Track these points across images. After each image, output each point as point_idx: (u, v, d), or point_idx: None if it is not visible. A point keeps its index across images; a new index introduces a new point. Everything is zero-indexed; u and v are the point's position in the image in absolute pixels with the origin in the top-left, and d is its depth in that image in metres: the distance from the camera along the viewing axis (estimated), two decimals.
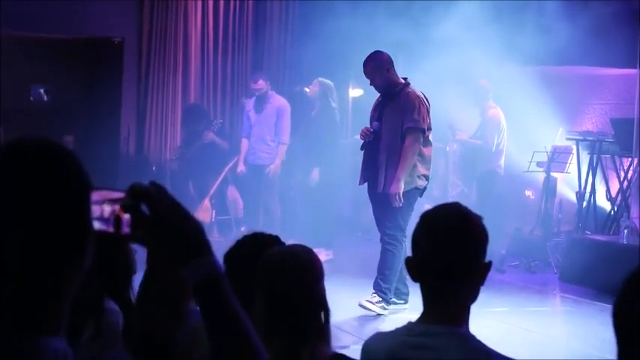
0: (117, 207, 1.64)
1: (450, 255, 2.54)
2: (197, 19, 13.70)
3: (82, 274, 1.61)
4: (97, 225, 1.63)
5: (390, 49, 8.81)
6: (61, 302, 1.58)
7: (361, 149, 8.61)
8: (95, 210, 1.62)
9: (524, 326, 8.18)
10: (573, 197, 11.67)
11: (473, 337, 2.55)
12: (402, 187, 8.25)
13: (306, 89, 12.06)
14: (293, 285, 2.81)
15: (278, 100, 12.08)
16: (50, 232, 1.55)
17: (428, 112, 8.40)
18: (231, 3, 13.92)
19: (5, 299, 1.54)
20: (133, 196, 1.64)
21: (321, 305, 2.85)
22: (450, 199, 11.42)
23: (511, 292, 9.71)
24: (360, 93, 13.24)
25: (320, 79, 11.43)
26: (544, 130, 11.54)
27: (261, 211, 12.37)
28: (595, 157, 11.24)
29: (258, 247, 3.03)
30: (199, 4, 13.70)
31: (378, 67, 8.48)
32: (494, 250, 10.59)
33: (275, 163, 11.95)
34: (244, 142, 12.26)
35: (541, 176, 11.45)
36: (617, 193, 11.19)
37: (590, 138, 11.35)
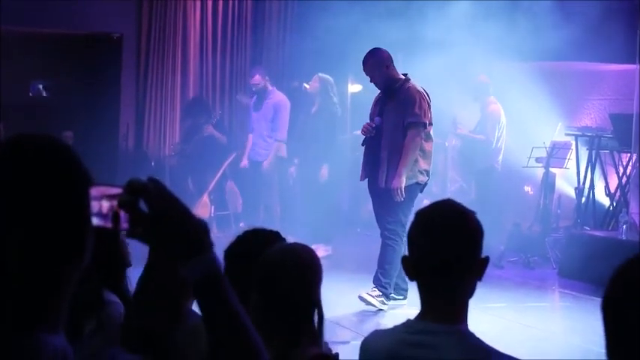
0: (115, 203, 1.63)
1: (447, 252, 2.53)
2: (196, 16, 13.71)
3: (81, 270, 1.61)
4: (95, 221, 1.62)
5: (388, 46, 8.80)
6: (60, 299, 1.58)
7: (362, 145, 8.62)
8: (93, 206, 1.62)
9: (523, 322, 8.18)
10: (572, 193, 11.67)
11: (472, 335, 2.55)
12: (403, 182, 8.26)
13: (305, 85, 12.05)
14: (293, 283, 2.81)
15: (277, 96, 12.07)
16: (50, 229, 1.55)
17: (429, 106, 8.41)
18: (230, 1, 13.93)
19: (5, 297, 1.54)
20: (131, 192, 1.64)
21: (316, 306, 2.85)
22: (449, 195, 11.43)
23: (510, 287, 9.71)
24: (359, 89, 13.23)
25: (320, 74, 11.41)
26: (543, 125, 11.55)
27: (262, 208, 12.36)
28: (594, 152, 11.24)
29: (258, 244, 3.03)
30: (198, 2, 13.71)
31: (377, 64, 8.48)
32: (493, 245, 10.59)
33: (268, 160, 11.92)
34: (250, 138, 12.27)
35: (540, 172, 11.45)
36: (616, 188, 11.19)
37: (589, 133, 11.35)
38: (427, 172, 8.48)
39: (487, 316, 8.01)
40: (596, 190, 11.37)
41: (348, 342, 6.46)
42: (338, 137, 11.71)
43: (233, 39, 13.98)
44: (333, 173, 11.44)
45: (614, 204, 11.16)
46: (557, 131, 11.55)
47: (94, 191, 1.62)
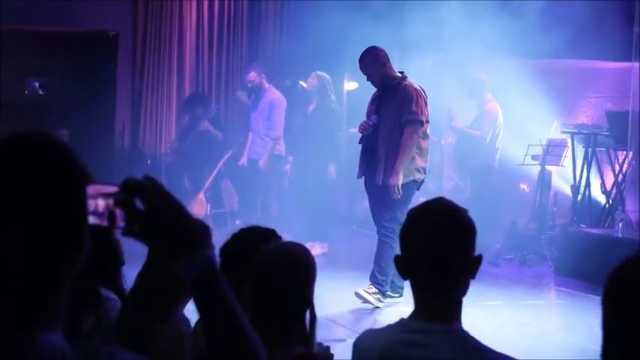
0: (111, 201, 1.63)
1: (440, 250, 2.52)
2: (192, 14, 13.72)
3: (78, 268, 1.61)
4: (91, 219, 1.62)
5: (383, 44, 8.80)
6: (58, 298, 1.58)
7: (360, 143, 8.63)
8: (89, 204, 1.62)
9: (519, 320, 8.18)
10: (568, 190, 11.67)
11: (467, 334, 2.54)
12: (400, 179, 8.26)
13: (302, 83, 12.04)
14: (286, 281, 2.81)
15: (272, 95, 12.06)
16: (49, 228, 1.55)
17: (426, 104, 8.41)
18: (226, 0, 13.93)
19: (3, 296, 1.53)
20: (127, 190, 1.64)
21: (309, 306, 2.84)
22: (445, 193, 11.44)
23: (506, 285, 9.71)
24: (355, 86, 13.23)
25: (318, 72, 11.39)
26: (539, 123, 11.55)
27: (258, 205, 12.35)
28: (590, 150, 11.24)
29: (254, 241, 3.03)
30: (194, 1, 13.72)
31: (374, 62, 8.48)
32: (489, 243, 10.60)
33: (263, 159, 11.91)
34: (250, 136, 12.26)
35: (536, 169, 11.45)
36: (612, 186, 11.20)
37: (585, 131, 11.36)
38: (424, 170, 8.49)
39: (483, 313, 8.02)
40: (592, 188, 11.38)
41: (344, 340, 6.45)
42: (338, 135, 11.71)
43: (229, 37, 13.99)
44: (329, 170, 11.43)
45: (610, 202, 11.17)
46: (553, 129, 11.56)
47: (90, 190, 1.62)
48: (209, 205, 12.63)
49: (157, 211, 1.65)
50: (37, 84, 13.64)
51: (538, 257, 10.92)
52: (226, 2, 13.93)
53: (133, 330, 1.93)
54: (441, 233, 2.53)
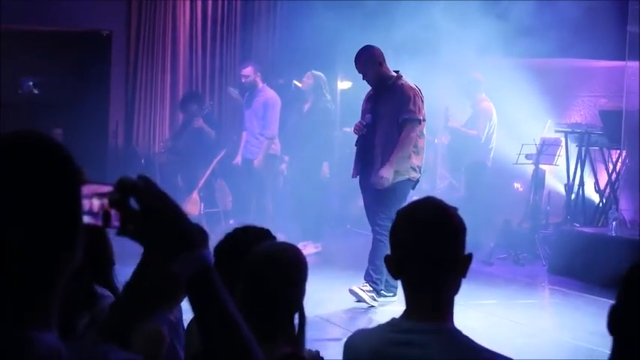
0: (105, 201, 1.64)
1: (430, 249, 2.52)
2: (185, 13, 13.74)
3: (72, 268, 1.61)
4: (85, 219, 1.62)
5: (376, 43, 8.78)
6: (52, 297, 1.58)
7: (356, 145, 8.63)
8: (84, 204, 1.62)
9: (513, 319, 8.19)
10: (562, 189, 11.69)
11: (460, 333, 2.53)
12: (392, 174, 8.26)
13: (295, 82, 12.03)
14: (277, 282, 2.80)
15: (267, 94, 12.04)
16: (43, 227, 1.55)
17: (422, 103, 8.42)
18: (219, 0, 13.94)
19: None
20: (121, 190, 1.64)
21: (298, 307, 2.84)
22: (439, 192, 11.47)
23: (499, 284, 9.72)
24: (349, 85, 13.23)
25: (313, 71, 11.38)
26: (533, 122, 11.56)
27: (253, 205, 12.34)
28: (583, 149, 11.26)
29: (249, 241, 3.03)
30: (187, 1, 13.73)
31: (370, 61, 8.48)
32: (483, 242, 10.62)
33: (258, 158, 11.89)
34: (243, 135, 12.24)
35: (530, 168, 11.46)
36: (606, 185, 11.22)
37: (579, 130, 11.37)
38: (419, 169, 8.50)
39: (477, 312, 8.02)
40: (585, 187, 11.39)
41: (339, 339, 6.46)
42: (333, 134, 11.71)
43: (222, 36, 14.00)
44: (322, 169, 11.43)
45: (604, 201, 11.19)
46: (546, 128, 11.57)
47: (85, 189, 1.62)
48: (203, 205, 12.63)
49: (151, 211, 1.65)
50: (32, 83, 13.64)
51: (532, 256, 10.93)
52: (219, 1, 13.94)
53: (121, 328, 1.94)
54: (430, 232, 2.53)
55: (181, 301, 3.03)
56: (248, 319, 2.60)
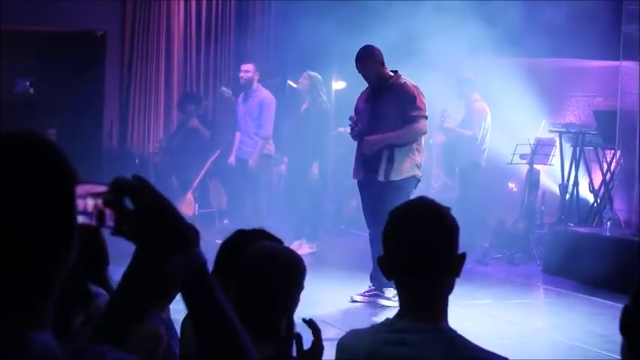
0: (100, 201, 1.64)
1: (423, 249, 2.51)
2: (180, 14, 13.76)
3: (67, 268, 1.61)
4: (80, 219, 1.62)
5: (372, 43, 8.78)
6: (47, 297, 1.58)
7: (358, 145, 8.59)
8: (78, 204, 1.62)
9: (508, 318, 8.19)
10: (556, 189, 11.70)
11: (455, 333, 2.53)
12: (378, 146, 8.25)
13: (291, 83, 12.02)
14: (274, 282, 2.80)
15: (262, 94, 12.02)
16: (37, 227, 1.55)
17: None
18: (214, 0, 13.94)
19: None
20: (116, 190, 1.64)
21: (290, 311, 2.83)
22: (433, 192, 11.47)
23: (494, 284, 9.73)
24: (343, 86, 13.23)
25: (309, 72, 11.36)
26: (527, 122, 11.56)
27: (247, 205, 12.33)
28: (578, 149, 11.27)
29: (248, 243, 3.02)
30: (182, 1, 13.73)
31: (372, 61, 8.44)
32: (478, 242, 10.63)
33: (253, 158, 11.87)
34: (237, 135, 12.20)
35: (524, 168, 11.46)
36: (600, 185, 11.23)
37: (573, 130, 11.38)
38: (420, 167, 8.53)
39: (471, 312, 8.03)
40: (580, 187, 11.40)
41: (334, 339, 6.44)
42: (329, 134, 11.71)
43: (216, 37, 14.01)
44: (318, 170, 11.42)
45: (598, 200, 11.19)
46: (541, 128, 11.58)
47: (79, 189, 1.62)
48: (197, 205, 12.62)
49: (146, 211, 1.65)
50: (27, 83, 13.63)
51: (526, 256, 10.93)
52: (214, 2, 13.95)
53: (116, 328, 1.94)
54: (423, 232, 2.52)
55: (172, 300, 3.03)
56: (242, 318, 2.60)
